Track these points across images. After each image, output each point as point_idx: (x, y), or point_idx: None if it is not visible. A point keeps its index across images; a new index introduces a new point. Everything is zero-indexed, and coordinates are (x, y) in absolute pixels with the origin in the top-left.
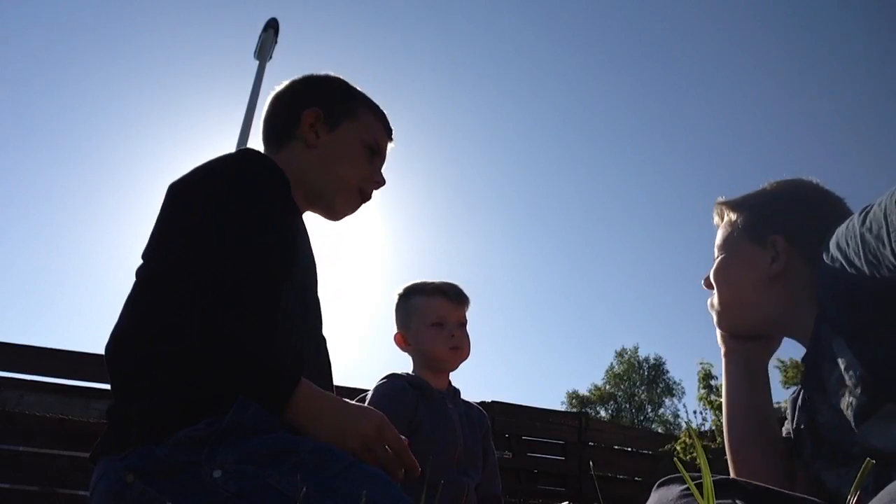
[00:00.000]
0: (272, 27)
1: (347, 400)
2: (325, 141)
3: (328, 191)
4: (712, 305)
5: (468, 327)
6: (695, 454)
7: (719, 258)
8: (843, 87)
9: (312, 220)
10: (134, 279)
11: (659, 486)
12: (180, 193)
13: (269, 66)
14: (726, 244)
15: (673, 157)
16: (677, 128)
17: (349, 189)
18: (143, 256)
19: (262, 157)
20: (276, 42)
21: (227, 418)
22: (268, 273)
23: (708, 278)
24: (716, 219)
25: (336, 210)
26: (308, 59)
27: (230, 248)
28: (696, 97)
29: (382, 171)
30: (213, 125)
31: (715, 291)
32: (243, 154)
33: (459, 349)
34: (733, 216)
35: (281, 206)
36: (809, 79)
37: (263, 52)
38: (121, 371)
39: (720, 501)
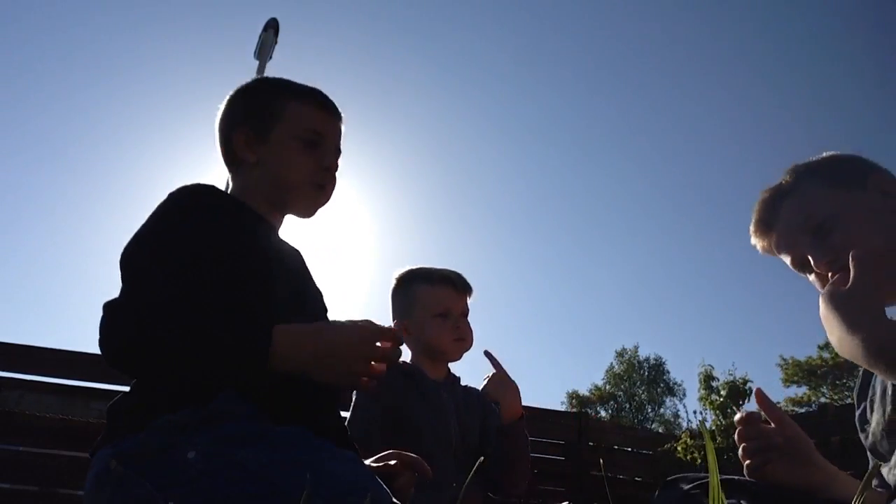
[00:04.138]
0: (272, 27)
1: (324, 326)
2: (262, 154)
3: (285, 198)
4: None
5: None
6: (694, 455)
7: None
8: (840, 91)
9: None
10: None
11: (665, 485)
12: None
13: (269, 66)
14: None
15: (674, 157)
16: (678, 129)
17: (300, 188)
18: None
19: (183, 190)
20: (276, 42)
21: (210, 406)
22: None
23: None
24: (764, 219)
25: (301, 210)
26: (308, 59)
27: (155, 271)
28: (698, 99)
29: (342, 147)
30: (213, 125)
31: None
32: (173, 192)
33: (463, 340)
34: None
35: (204, 219)
36: (808, 82)
37: (263, 52)
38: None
39: (727, 501)
